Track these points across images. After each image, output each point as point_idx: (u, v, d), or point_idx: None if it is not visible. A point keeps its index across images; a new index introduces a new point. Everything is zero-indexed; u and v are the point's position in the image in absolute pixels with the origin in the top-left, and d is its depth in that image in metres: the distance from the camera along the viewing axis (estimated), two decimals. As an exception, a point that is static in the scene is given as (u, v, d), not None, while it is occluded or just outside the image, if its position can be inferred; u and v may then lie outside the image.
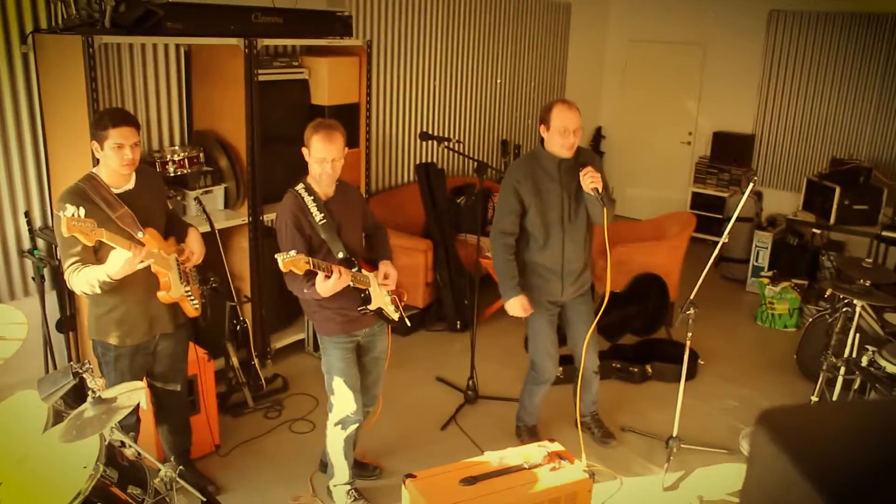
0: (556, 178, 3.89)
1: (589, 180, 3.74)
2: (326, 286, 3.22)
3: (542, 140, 3.94)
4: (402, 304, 3.79)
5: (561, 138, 3.79)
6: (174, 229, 3.56)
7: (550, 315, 4.13)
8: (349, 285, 3.35)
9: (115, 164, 3.17)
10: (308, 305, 3.58)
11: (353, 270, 3.40)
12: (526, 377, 4.39)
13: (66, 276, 3.15)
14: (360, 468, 4.07)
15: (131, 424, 3.55)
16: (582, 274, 4.09)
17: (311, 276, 3.23)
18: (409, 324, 3.89)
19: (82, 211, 2.81)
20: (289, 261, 3.05)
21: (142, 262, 3.07)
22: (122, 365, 3.39)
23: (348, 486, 3.83)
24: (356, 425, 3.71)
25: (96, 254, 3.12)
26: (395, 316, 3.70)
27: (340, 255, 3.39)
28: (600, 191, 3.75)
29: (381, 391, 3.91)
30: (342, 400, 3.62)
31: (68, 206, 2.79)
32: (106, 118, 3.16)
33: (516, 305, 3.96)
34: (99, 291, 3.09)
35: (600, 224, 3.84)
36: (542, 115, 3.86)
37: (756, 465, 0.75)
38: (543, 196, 3.89)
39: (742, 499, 0.81)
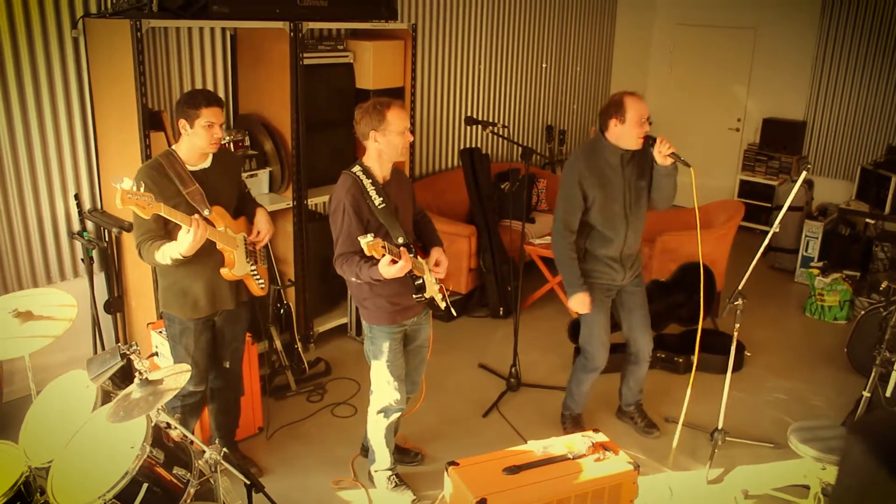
0: (618, 170, 3.84)
1: (666, 147, 3.71)
2: (391, 270, 3.12)
3: (600, 131, 3.86)
4: (448, 293, 3.76)
5: (638, 128, 3.73)
6: (248, 209, 3.62)
7: (605, 302, 4.10)
8: (407, 273, 3.28)
9: (203, 143, 3.25)
10: (360, 292, 3.50)
11: (411, 256, 3.31)
12: (575, 364, 4.35)
13: (137, 249, 3.26)
14: (402, 454, 4.08)
15: (195, 404, 3.63)
16: (637, 259, 4.10)
17: (371, 259, 3.16)
18: (454, 313, 3.85)
19: (142, 185, 2.88)
20: (372, 244, 2.99)
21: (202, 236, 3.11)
22: (186, 340, 3.47)
23: (389, 472, 3.84)
24: (398, 413, 3.71)
25: (166, 226, 3.22)
26: (443, 305, 3.67)
27: (401, 241, 3.31)
28: (678, 155, 3.74)
29: (423, 378, 3.90)
30: (386, 388, 3.61)
31: (126, 178, 2.82)
32: (200, 97, 3.23)
33: (580, 302, 3.94)
34: (171, 265, 3.19)
35: (667, 205, 3.96)
36: (611, 109, 3.77)
37: (850, 476, 0.71)
38: (607, 189, 3.84)
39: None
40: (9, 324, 3.10)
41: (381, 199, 3.33)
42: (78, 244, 4.52)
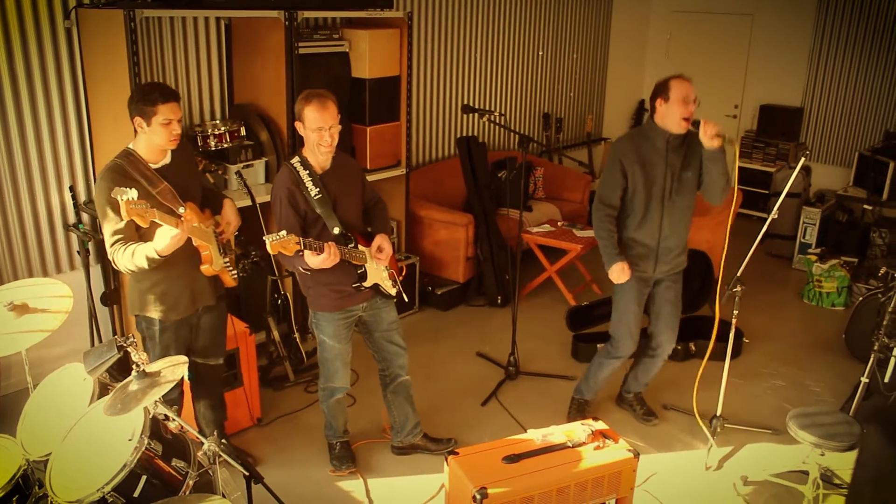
0: (662, 154, 3.84)
1: (711, 128, 3.67)
2: (315, 260, 3.22)
3: (651, 116, 3.89)
4: (401, 278, 3.78)
5: (682, 107, 3.74)
6: (209, 201, 3.54)
7: (640, 292, 4.09)
8: (345, 262, 3.36)
9: (162, 140, 3.14)
10: (303, 280, 3.58)
11: (350, 247, 3.39)
12: (600, 350, 4.35)
13: (110, 255, 3.13)
14: (436, 443, 4.12)
15: (174, 398, 3.58)
16: (679, 255, 4.07)
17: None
18: (406, 299, 3.89)
19: (135, 192, 2.76)
20: (277, 242, 3.02)
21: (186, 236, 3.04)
22: (166, 339, 3.40)
23: (337, 442, 3.98)
24: (342, 394, 3.82)
25: (137, 230, 3.10)
26: (393, 291, 3.71)
27: (336, 231, 3.38)
28: (723, 135, 3.71)
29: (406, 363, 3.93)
30: (329, 371, 3.73)
31: (126, 189, 2.73)
32: (156, 93, 3.09)
33: (619, 270, 3.92)
34: (146, 268, 3.06)
35: (719, 196, 3.98)
36: (657, 90, 3.82)
37: (868, 467, 0.70)
38: (648, 171, 3.85)
39: (852, 499, 0.76)
40: (5, 318, 3.08)
41: (318, 189, 3.37)
42: (74, 236, 4.50)
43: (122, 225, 3.04)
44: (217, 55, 4.96)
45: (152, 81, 3.17)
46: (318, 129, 3.31)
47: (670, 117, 3.78)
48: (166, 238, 2.95)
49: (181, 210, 3.11)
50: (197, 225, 3.20)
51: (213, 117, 5.01)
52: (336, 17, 5.41)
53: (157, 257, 3.01)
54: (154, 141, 3.15)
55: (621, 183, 3.89)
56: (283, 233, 3.05)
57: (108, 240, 3.12)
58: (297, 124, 3.38)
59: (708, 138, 3.70)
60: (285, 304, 4.83)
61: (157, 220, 2.86)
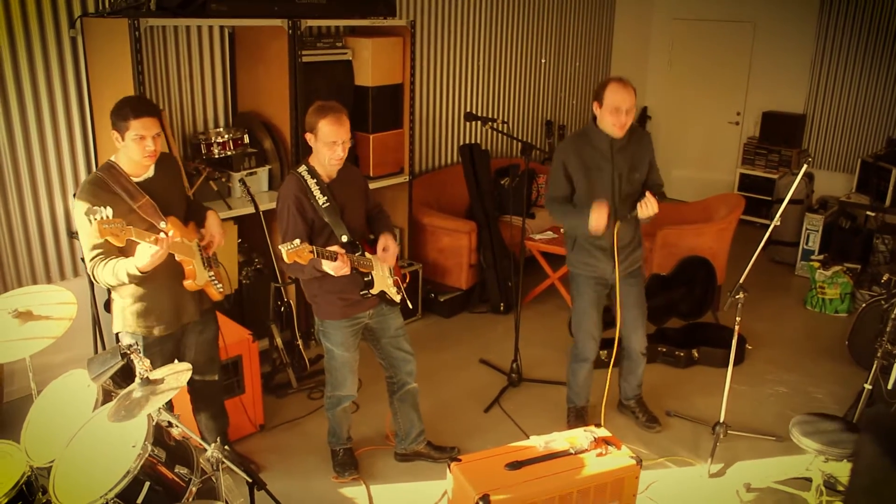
0: (607, 157, 3.85)
1: (652, 211, 3.76)
2: (334, 266, 3.24)
3: (594, 117, 3.90)
4: (404, 285, 3.80)
5: (612, 117, 3.76)
6: (193, 214, 3.47)
7: (598, 296, 4.11)
8: (353, 269, 3.37)
9: (136, 156, 3.09)
10: (309, 289, 3.60)
11: (357, 254, 3.41)
12: (569, 355, 4.37)
13: (89, 269, 3.09)
14: (439, 451, 4.11)
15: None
16: (634, 251, 4.06)
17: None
18: (410, 305, 3.91)
19: (110, 211, 2.72)
20: (293, 251, 3.03)
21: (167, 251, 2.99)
22: (150, 356, 3.27)
23: (340, 449, 3.99)
24: (348, 402, 3.84)
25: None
26: (398, 297, 3.72)
27: (344, 239, 3.40)
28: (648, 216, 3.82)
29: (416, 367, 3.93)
30: (337, 380, 3.74)
31: (99, 209, 2.70)
32: (127, 108, 3.05)
33: (596, 217, 3.71)
34: (127, 282, 3.04)
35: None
36: (597, 92, 3.83)
37: (864, 476, 0.70)
38: (593, 175, 3.85)
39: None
40: (9, 325, 3.09)
41: (326, 198, 3.39)
42: (77, 244, 4.51)
43: (102, 239, 2.94)
44: (221, 63, 4.98)
45: (132, 95, 3.19)
46: (332, 143, 3.33)
47: (604, 123, 3.81)
48: (146, 256, 2.92)
49: (162, 224, 3.06)
50: (179, 240, 3.14)
51: (217, 125, 5.03)
52: (339, 26, 5.44)
53: (137, 273, 2.99)
54: (130, 156, 3.11)
55: (566, 186, 3.92)
56: (297, 241, 3.06)
57: (88, 254, 3.08)
58: (309, 136, 3.38)
59: (641, 212, 3.79)
60: (288, 310, 4.84)
61: (133, 239, 2.83)
